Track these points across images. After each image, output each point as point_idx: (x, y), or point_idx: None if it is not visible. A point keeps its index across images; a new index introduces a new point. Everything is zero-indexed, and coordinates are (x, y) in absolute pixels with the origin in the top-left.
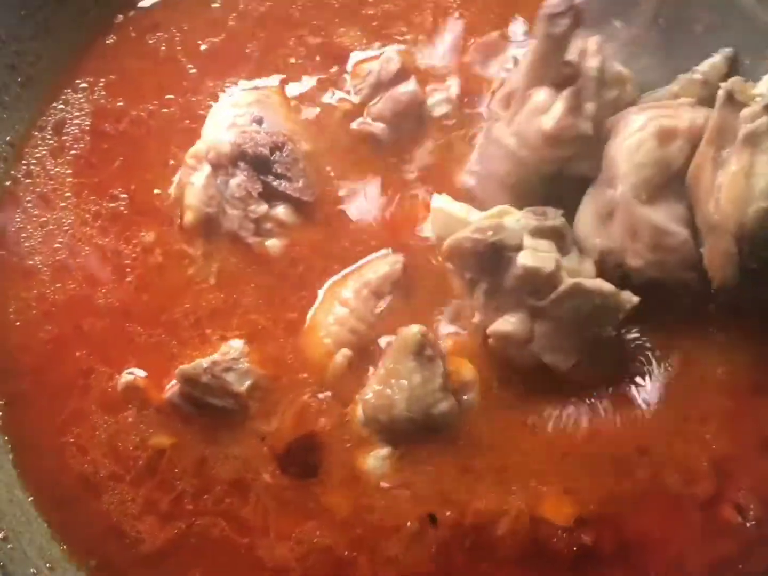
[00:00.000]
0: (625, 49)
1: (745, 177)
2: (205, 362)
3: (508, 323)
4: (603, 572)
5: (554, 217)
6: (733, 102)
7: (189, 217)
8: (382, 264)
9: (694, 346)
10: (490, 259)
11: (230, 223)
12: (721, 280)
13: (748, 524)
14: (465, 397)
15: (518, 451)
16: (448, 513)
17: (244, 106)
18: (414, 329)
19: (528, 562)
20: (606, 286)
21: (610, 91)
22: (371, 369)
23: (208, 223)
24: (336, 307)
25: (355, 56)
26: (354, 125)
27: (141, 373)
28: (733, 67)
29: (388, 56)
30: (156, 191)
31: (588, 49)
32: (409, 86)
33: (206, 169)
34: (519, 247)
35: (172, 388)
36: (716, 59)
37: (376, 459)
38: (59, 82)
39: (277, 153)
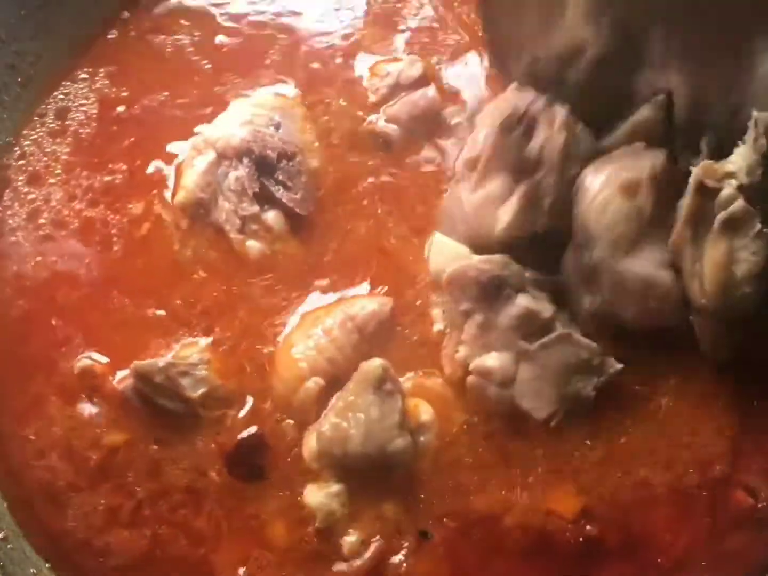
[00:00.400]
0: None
1: (726, 264)
2: (161, 361)
3: (494, 359)
4: (610, 563)
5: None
6: (706, 190)
7: (181, 196)
8: (371, 302)
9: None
10: (491, 291)
11: (218, 214)
12: (714, 354)
13: (759, 505)
14: (422, 438)
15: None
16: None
17: (266, 108)
18: (375, 363)
19: (535, 554)
20: (594, 344)
21: (574, 167)
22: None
23: (197, 207)
24: (318, 332)
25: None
26: (366, 123)
27: (101, 358)
28: (668, 111)
29: (412, 60)
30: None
31: (555, 126)
32: (429, 92)
33: (211, 155)
34: (521, 288)
35: (125, 380)
36: (648, 111)
37: (325, 496)
38: (59, 79)
39: (284, 161)
